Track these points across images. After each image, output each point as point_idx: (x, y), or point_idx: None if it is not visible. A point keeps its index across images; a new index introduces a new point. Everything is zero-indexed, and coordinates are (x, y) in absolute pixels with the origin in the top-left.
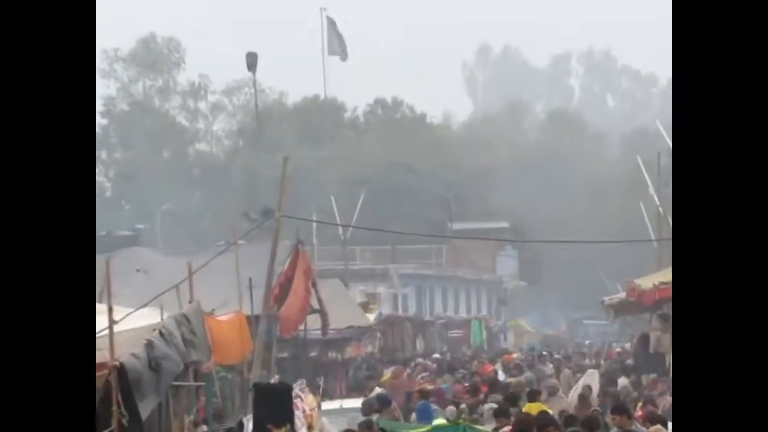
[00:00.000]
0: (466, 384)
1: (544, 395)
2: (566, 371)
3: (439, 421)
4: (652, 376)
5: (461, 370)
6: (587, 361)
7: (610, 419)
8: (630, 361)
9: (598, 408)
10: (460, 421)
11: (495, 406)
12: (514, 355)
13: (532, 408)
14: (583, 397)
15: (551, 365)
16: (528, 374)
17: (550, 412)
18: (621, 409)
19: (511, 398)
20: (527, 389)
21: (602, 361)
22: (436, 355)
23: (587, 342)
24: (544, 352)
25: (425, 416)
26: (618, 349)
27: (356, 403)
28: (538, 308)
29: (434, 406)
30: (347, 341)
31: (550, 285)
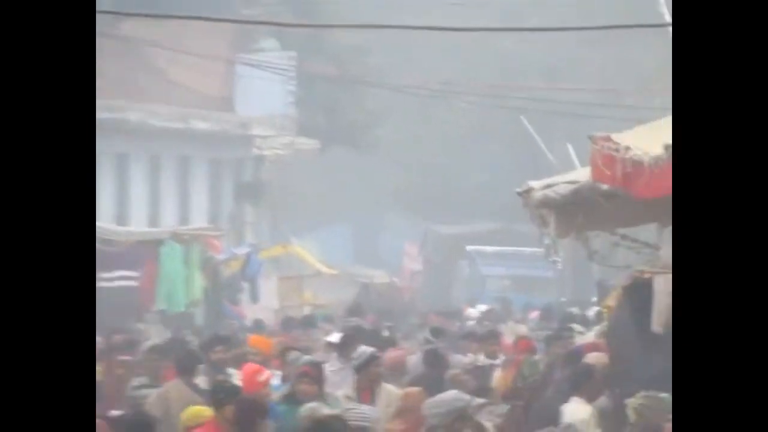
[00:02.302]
0: None
1: None
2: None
3: None
4: (664, 395)
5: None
6: (478, 358)
7: None
8: (596, 357)
9: None
10: None
11: None
12: (272, 341)
13: None
14: None
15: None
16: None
17: None
18: None
19: None
20: None
21: (517, 356)
22: None
23: (478, 307)
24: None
25: None
26: (569, 329)
27: None
28: (353, 211)
29: None
30: None
31: (389, 146)
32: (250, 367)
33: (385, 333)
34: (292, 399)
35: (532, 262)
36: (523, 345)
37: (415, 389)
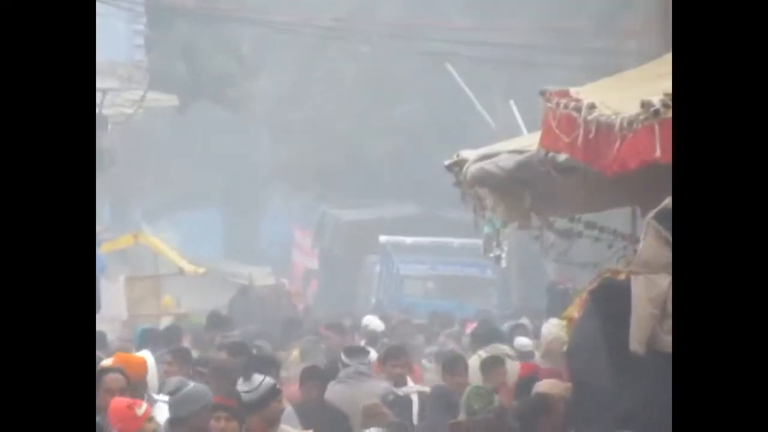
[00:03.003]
0: None
1: None
2: None
3: None
4: None
5: None
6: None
7: None
8: (554, 386)
9: None
10: None
11: None
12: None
13: None
14: None
15: None
16: None
17: None
18: None
19: None
20: None
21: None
22: None
23: (373, 318)
24: None
25: None
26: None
27: None
28: (223, 189)
29: None
30: None
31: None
32: (120, 401)
33: (253, 350)
34: None
35: (465, 257)
36: (528, 369)
37: None
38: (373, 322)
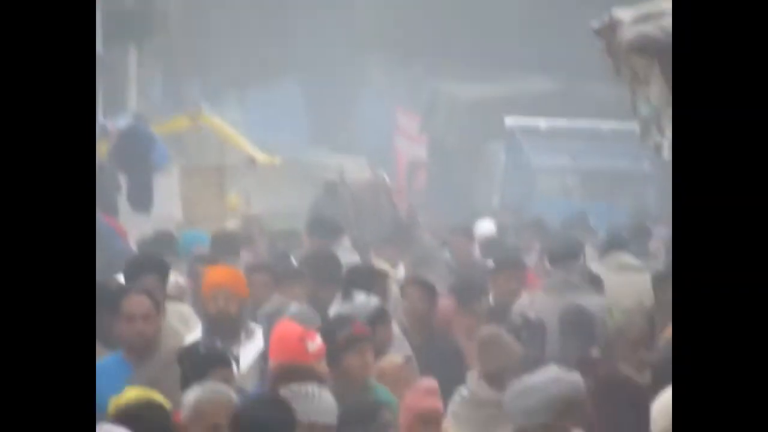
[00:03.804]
0: None
1: None
2: None
3: None
4: None
5: None
6: None
7: None
8: None
9: None
10: None
11: None
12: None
13: None
14: None
15: None
16: None
17: None
18: None
19: None
20: None
21: None
22: None
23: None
24: None
25: None
26: None
27: None
28: (305, 56)
29: None
30: None
31: None
32: (290, 327)
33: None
34: None
35: (616, 146)
36: None
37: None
38: (485, 226)
